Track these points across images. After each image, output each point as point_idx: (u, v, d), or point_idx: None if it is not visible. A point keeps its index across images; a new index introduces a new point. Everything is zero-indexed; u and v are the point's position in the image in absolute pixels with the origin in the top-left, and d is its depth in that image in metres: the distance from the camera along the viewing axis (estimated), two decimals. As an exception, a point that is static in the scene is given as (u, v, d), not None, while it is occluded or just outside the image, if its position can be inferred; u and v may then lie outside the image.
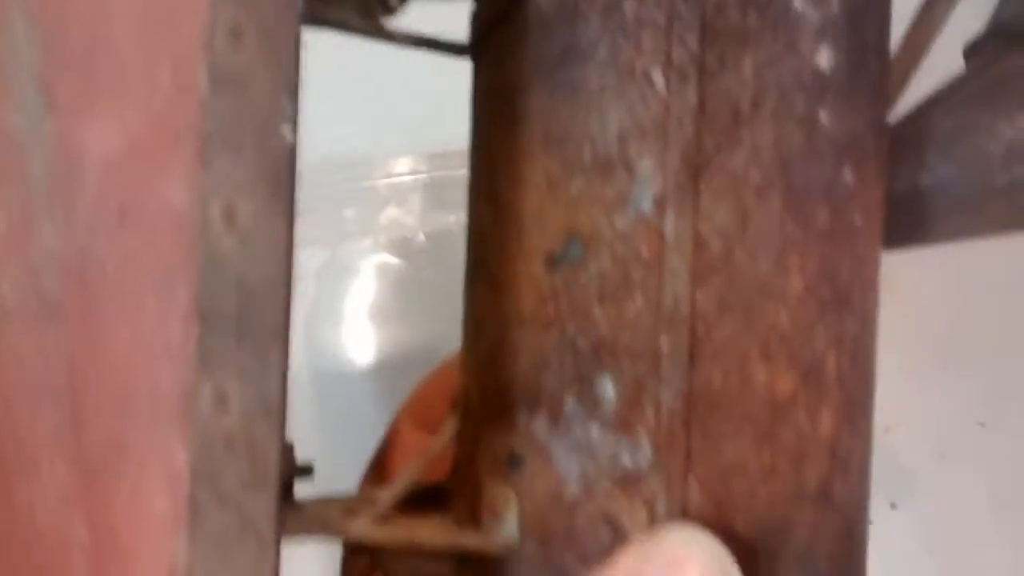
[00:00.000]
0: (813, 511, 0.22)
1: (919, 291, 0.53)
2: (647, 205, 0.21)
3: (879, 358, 0.53)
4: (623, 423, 0.21)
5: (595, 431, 0.21)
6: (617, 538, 0.21)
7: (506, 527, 0.22)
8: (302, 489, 0.25)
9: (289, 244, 0.16)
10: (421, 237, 0.51)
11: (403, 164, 0.51)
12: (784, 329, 0.21)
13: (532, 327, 0.22)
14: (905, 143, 0.26)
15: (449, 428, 0.24)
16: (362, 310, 0.52)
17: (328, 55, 0.51)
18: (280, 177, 0.16)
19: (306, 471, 0.25)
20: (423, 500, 0.25)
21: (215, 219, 0.16)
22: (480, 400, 0.23)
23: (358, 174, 0.53)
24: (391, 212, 0.51)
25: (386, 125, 0.50)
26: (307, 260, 0.51)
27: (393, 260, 0.51)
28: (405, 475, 0.25)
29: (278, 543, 0.17)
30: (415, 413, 0.28)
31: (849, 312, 0.22)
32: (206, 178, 0.16)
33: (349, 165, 0.53)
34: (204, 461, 0.16)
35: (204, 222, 0.16)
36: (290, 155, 0.16)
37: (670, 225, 0.21)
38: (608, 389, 0.21)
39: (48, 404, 0.17)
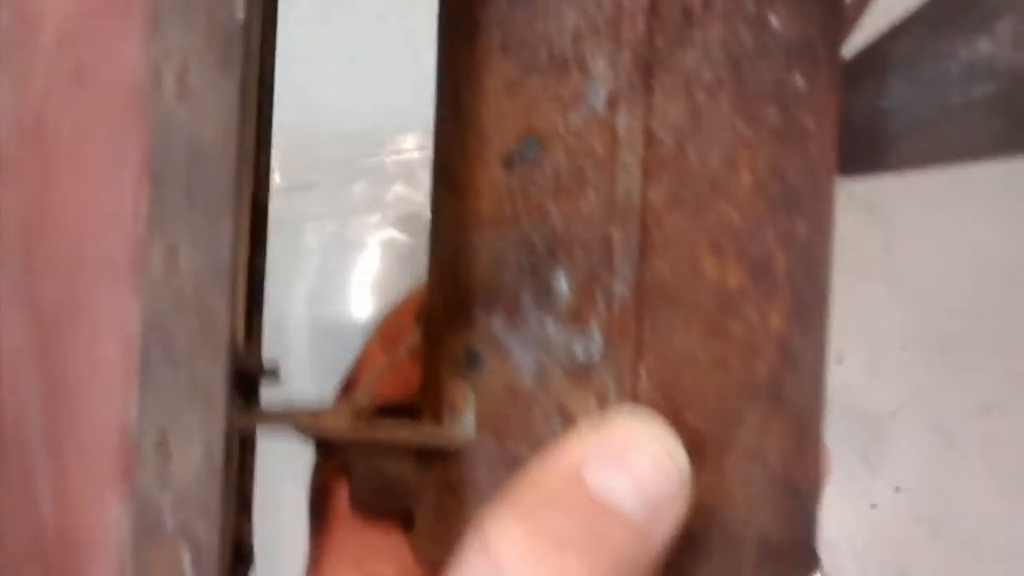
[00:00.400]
0: (764, 407, 0.22)
1: (927, 277, 0.53)
2: (600, 103, 0.21)
3: (886, 341, 0.54)
4: (576, 316, 0.22)
5: (549, 325, 0.22)
6: (569, 428, 0.22)
7: (464, 422, 0.23)
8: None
9: (239, 113, 0.17)
10: (429, 214, 0.51)
11: (411, 140, 0.51)
12: (733, 224, 0.21)
13: (490, 227, 0.22)
14: (866, 68, 0.26)
15: (414, 335, 0.25)
16: (368, 285, 0.53)
17: (338, 32, 0.52)
18: (231, 49, 0.17)
19: (272, 373, 0.25)
20: (393, 416, 0.26)
21: (167, 83, 0.16)
22: (442, 304, 0.24)
23: (366, 150, 0.53)
24: (399, 188, 0.51)
25: (394, 101, 0.50)
26: (313, 234, 0.51)
27: (400, 236, 0.51)
28: (369, 379, 0.26)
29: (229, 405, 0.18)
30: (385, 335, 0.29)
31: (799, 214, 0.22)
32: (159, 43, 0.16)
33: (357, 141, 0.53)
34: (155, 318, 0.17)
35: (156, 86, 0.16)
36: (242, 32, 0.17)
37: (622, 121, 0.21)
38: (562, 283, 0.22)
39: (2, 258, 0.17)
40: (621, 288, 0.21)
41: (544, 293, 0.22)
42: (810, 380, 0.23)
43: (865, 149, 0.27)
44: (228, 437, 0.18)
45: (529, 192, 0.22)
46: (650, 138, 0.21)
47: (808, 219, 0.23)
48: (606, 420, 0.21)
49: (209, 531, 0.17)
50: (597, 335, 0.21)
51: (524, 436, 0.22)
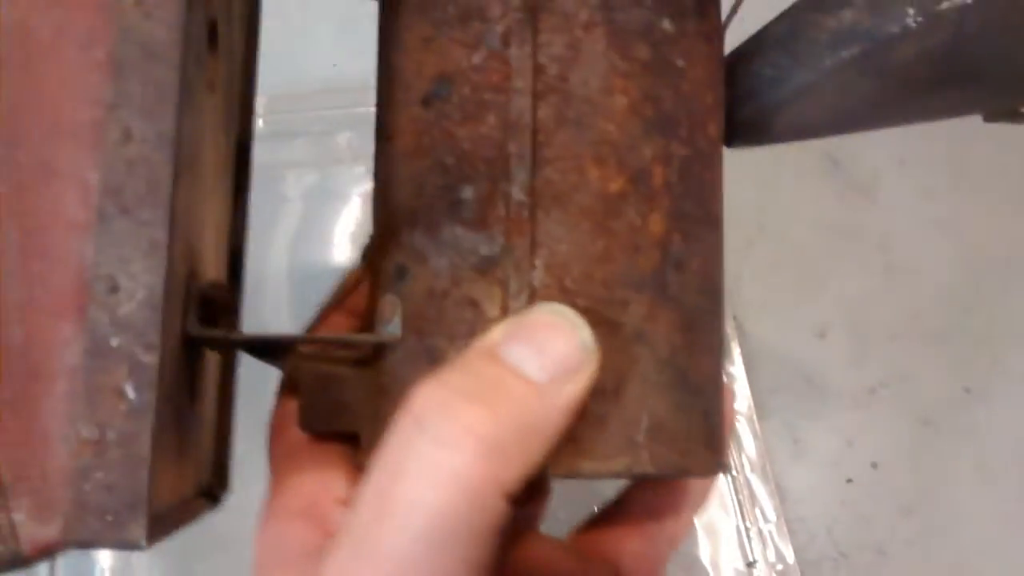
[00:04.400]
0: (649, 298, 0.25)
1: (923, 270, 0.55)
2: (496, 42, 0.25)
3: (875, 327, 0.54)
4: (481, 220, 0.25)
5: (459, 231, 0.25)
6: (477, 316, 0.25)
7: (392, 327, 0.26)
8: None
9: (185, 20, 0.22)
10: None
11: (397, 95, 0.54)
12: (613, 139, 0.25)
13: (413, 159, 0.26)
14: (752, 49, 0.31)
15: (354, 273, 0.29)
16: (349, 236, 0.54)
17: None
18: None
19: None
20: None
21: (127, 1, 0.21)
22: (379, 237, 0.28)
23: (353, 100, 0.55)
24: (384, 142, 0.54)
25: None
26: (295, 182, 0.53)
27: (383, 189, 0.54)
28: (320, 310, 0.29)
29: (170, 252, 0.21)
30: (336, 297, 0.32)
31: (676, 139, 0.26)
32: (121, -33, 0.21)
33: (343, 91, 0.54)
34: (111, 180, 0.21)
35: (118, 2, 0.21)
36: None
37: (514, 55, 0.25)
38: (469, 194, 0.25)
39: (-8, 133, 0.21)
40: (518, 194, 0.25)
41: (455, 205, 0.25)
42: (697, 283, 0.26)
43: (759, 117, 0.31)
44: (169, 281, 0.21)
45: (442, 124, 0.26)
46: (537, 67, 0.25)
47: (686, 144, 0.26)
48: (525, 312, 0.24)
49: (149, 357, 0.21)
50: (498, 234, 0.25)
51: (440, 329, 0.25)
